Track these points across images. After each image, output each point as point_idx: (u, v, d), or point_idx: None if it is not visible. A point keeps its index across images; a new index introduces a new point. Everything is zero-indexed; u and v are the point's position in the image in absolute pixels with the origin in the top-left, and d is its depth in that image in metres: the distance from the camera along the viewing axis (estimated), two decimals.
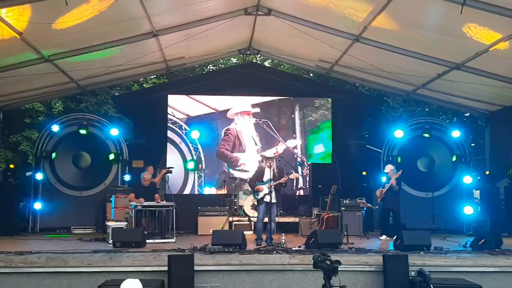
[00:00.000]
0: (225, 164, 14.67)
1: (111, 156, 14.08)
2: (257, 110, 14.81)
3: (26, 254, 8.26)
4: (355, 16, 10.23)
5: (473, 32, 9.31)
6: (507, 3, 8.15)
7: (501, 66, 10.70)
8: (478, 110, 14.50)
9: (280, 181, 10.13)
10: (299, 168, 14.62)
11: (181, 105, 14.94)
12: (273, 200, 10.07)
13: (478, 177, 14.80)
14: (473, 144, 18.07)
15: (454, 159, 14.07)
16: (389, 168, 12.21)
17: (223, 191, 14.31)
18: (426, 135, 14.22)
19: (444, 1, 8.42)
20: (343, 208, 12.27)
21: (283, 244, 9.33)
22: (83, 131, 13.93)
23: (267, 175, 10.20)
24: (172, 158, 14.63)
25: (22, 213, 13.59)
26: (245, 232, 9.79)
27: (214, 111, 14.94)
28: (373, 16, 9.86)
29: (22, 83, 11.76)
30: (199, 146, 14.78)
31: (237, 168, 14.54)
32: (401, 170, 11.90)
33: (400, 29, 10.31)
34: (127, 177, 14.20)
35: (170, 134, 14.78)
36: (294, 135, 14.97)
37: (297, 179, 14.04)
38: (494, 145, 14.31)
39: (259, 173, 10.46)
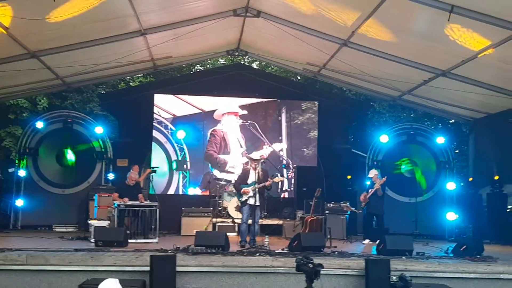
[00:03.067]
0: (209, 165, 14.63)
1: (97, 148, 14.01)
2: (245, 112, 14.81)
3: (6, 251, 8.16)
4: (344, 21, 10.28)
5: (457, 36, 9.39)
6: (493, 12, 8.23)
7: (486, 74, 10.81)
8: (463, 117, 14.63)
9: (265, 184, 10.12)
10: (285, 170, 14.62)
11: (167, 105, 14.87)
12: (257, 203, 10.06)
13: (461, 184, 14.92)
14: (457, 151, 18.21)
15: (434, 167, 14.25)
16: (373, 173, 12.26)
17: (208, 192, 14.28)
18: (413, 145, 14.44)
19: (431, 8, 8.49)
20: (327, 212, 12.27)
21: (266, 246, 9.32)
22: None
23: (252, 178, 10.19)
24: (157, 157, 14.56)
25: (4, 209, 13.44)
26: (228, 234, 9.77)
27: (200, 111, 14.89)
28: (361, 21, 9.91)
29: (7, 79, 11.66)
30: (184, 146, 14.74)
31: (224, 170, 14.51)
32: (385, 177, 11.97)
33: (387, 35, 10.36)
34: (111, 176, 14.12)
35: (155, 133, 14.71)
36: (280, 138, 14.97)
37: (282, 182, 14.03)
38: (478, 152, 14.45)
39: (244, 175, 10.44)
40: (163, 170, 14.35)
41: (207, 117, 14.81)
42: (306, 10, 10.28)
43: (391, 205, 13.41)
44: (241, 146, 14.65)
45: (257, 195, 10.05)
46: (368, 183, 12.61)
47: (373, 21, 9.78)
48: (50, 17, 9.09)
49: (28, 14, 8.64)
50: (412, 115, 19.36)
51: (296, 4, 10.28)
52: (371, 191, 11.88)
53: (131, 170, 11.77)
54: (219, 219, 12.82)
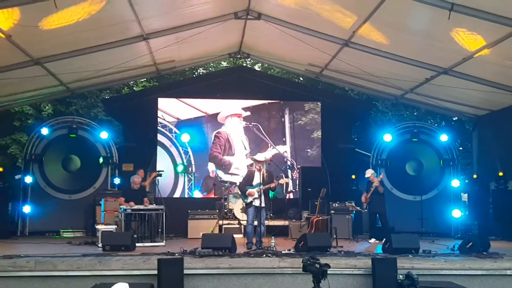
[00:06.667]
0: (214, 167, 14.67)
1: (101, 160, 14.07)
2: (248, 113, 14.86)
3: (15, 257, 8.20)
4: (344, 22, 10.31)
5: (460, 37, 9.42)
6: (493, 9, 8.25)
7: (488, 71, 10.82)
8: (466, 115, 14.63)
9: (270, 186, 10.16)
10: (289, 171, 14.64)
11: (171, 109, 14.93)
12: (262, 204, 10.10)
13: (466, 181, 14.92)
14: (461, 148, 18.22)
15: (441, 163, 14.21)
16: (369, 172, 12.31)
17: (211, 195, 14.32)
18: (415, 140, 14.36)
19: (431, 7, 8.52)
20: (332, 212, 12.32)
21: (272, 247, 9.34)
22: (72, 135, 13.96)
23: (257, 179, 10.22)
24: (162, 161, 14.62)
25: (11, 216, 13.50)
26: (235, 236, 9.79)
27: (204, 114, 14.95)
28: (362, 20, 9.95)
29: (11, 86, 11.71)
30: (189, 150, 14.79)
31: (229, 172, 14.56)
32: (382, 174, 12.03)
33: (388, 34, 10.39)
34: (117, 181, 14.19)
35: (160, 137, 14.77)
36: (284, 139, 15.00)
37: (287, 183, 14.05)
38: (482, 149, 14.45)
39: (249, 176, 10.48)
40: (168, 174, 14.41)
41: (211, 120, 14.87)
42: (307, 10, 10.32)
43: (396, 203, 13.46)
44: (245, 148, 14.70)
45: (262, 197, 10.09)
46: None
47: (373, 22, 9.82)
48: (50, 24, 9.14)
49: (30, 21, 8.73)
50: (415, 113, 19.35)
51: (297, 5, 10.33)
52: (372, 189, 11.93)
53: (135, 174, 11.84)
54: (225, 221, 12.85)
